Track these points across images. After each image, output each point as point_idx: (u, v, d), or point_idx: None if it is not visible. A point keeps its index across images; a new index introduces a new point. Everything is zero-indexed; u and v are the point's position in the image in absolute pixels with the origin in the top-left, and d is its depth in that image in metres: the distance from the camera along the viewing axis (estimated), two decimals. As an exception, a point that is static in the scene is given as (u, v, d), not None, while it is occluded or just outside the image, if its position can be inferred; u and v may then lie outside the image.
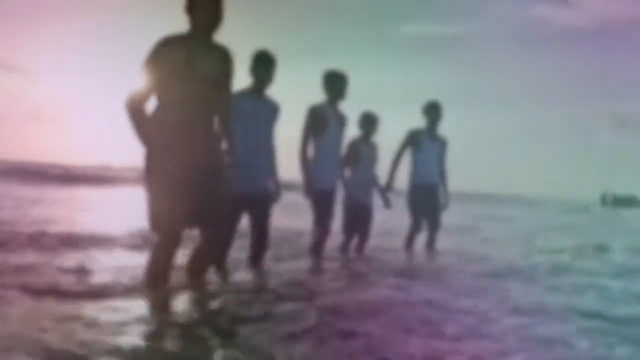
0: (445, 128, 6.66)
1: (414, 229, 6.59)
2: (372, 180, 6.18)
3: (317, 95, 5.36)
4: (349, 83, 5.37)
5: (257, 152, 4.57)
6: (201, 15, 3.40)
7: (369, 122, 6.07)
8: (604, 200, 49.81)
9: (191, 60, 3.34)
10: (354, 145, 6.01)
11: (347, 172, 5.97)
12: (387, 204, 6.29)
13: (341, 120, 5.41)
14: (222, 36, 3.54)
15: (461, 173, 6.52)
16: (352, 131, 5.95)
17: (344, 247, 6.08)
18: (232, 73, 3.62)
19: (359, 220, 6.04)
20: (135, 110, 3.29)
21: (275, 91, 4.70)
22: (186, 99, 3.34)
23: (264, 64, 4.58)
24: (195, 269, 3.61)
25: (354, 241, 6.13)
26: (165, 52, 3.31)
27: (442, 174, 6.66)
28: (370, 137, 6.11)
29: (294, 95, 4.77)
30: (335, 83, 5.33)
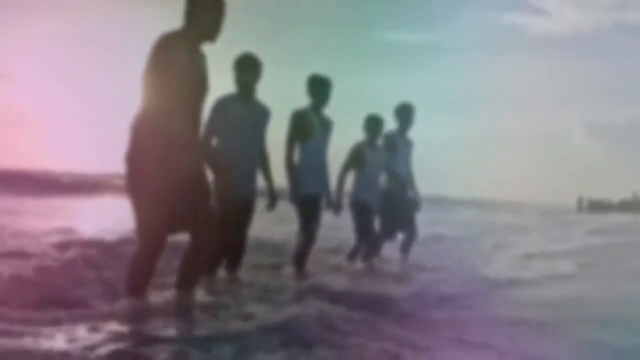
0: (423, 133, 6.73)
1: (384, 237, 6.40)
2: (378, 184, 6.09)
3: (293, 101, 5.35)
4: (332, 88, 5.33)
5: (249, 158, 4.54)
6: (202, 24, 3.39)
7: (374, 125, 6.00)
8: (579, 204, 50.52)
9: (188, 63, 3.31)
10: (358, 148, 5.93)
11: (352, 176, 5.94)
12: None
13: (326, 125, 5.35)
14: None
15: (432, 177, 6.55)
16: (352, 135, 5.97)
17: (353, 254, 6.02)
18: (207, 79, 3.56)
19: (369, 223, 5.95)
20: (141, 132, 3.22)
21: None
22: (181, 101, 3.28)
23: (247, 68, 4.54)
24: (186, 277, 3.53)
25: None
26: (166, 51, 3.24)
27: (410, 175, 6.59)
28: (375, 141, 6.05)
29: (271, 101, 4.78)
30: (319, 88, 5.28)
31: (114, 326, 2.90)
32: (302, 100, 5.35)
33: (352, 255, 6.10)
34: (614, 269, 7.40)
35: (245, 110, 4.56)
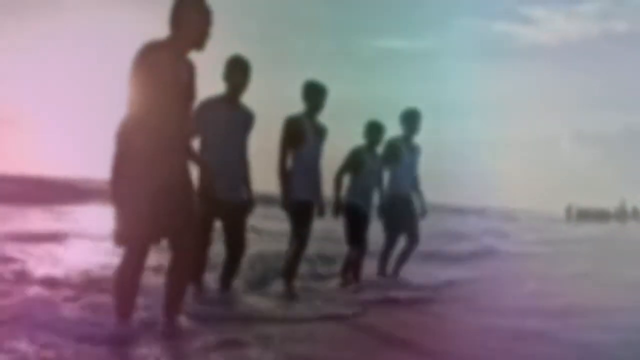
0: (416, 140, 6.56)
1: (390, 244, 6.36)
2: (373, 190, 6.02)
3: (284, 106, 5.31)
4: (327, 94, 5.27)
5: (231, 161, 4.47)
6: (189, 30, 3.33)
7: (374, 131, 5.94)
8: (568, 213, 50.71)
9: (173, 71, 3.28)
10: (357, 153, 5.87)
11: (347, 180, 5.87)
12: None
13: (320, 132, 5.28)
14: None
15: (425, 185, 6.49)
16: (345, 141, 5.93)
17: (347, 266, 5.89)
18: (196, 86, 3.53)
19: (361, 229, 5.87)
20: (129, 127, 3.17)
21: (244, 99, 4.61)
22: (167, 109, 3.26)
23: (239, 70, 4.49)
24: (174, 289, 3.44)
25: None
26: (152, 58, 3.21)
27: (416, 182, 6.52)
28: (375, 147, 5.99)
29: (264, 107, 4.68)
30: (314, 94, 5.21)
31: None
32: (293, 105, 5.28)
33: (346, 268, 5.92)
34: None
35: (231, 113, 4.51)
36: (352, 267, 5.88)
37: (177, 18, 3.34)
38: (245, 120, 4.59)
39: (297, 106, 5.28)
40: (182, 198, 3.36)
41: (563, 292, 6.07)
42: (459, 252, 10.34)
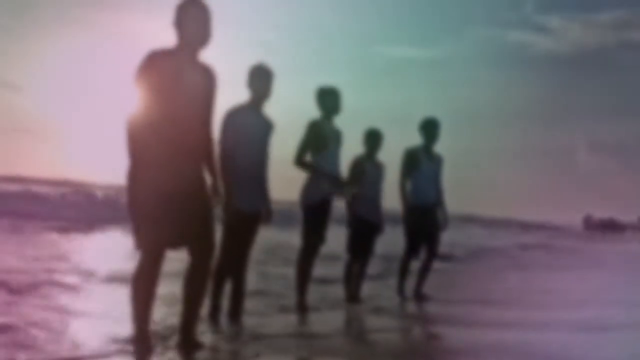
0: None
1: (410, 255, 6.19)
2: (379, 199, 5.93)
3: (295, 112, 5.19)
4: (342, 98, 5.19)
5: (257, 171, 4.40)
6: (190, 31, 3.32)
7: (373, 139, 5.88)
8: (586, 223, 50.07)
9: (179, 76, 3.26)
10: (359, 162, 5.79)
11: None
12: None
13: (338, 137, 5.20)
14: (204, 54, 3.44)
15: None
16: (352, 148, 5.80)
17: (349, 268, 5.79)
18: (216, 93, 3.49)
19: (364, 239, 5.77)
20: (136, 134, 3.18)
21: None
22: (173, 116, 3.23)
23: (264, 78, 4.44)
24: (191, 293, 3.36)
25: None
26: (154, 66, 3.22)
27: (439, 193, 6.32)
28: (374, 155, 5.91)
29: (276, 113, 4.55)
30: (329, 99, 5.15)
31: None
32: (305, 113, 5.20)
33: (348, 280, 5.78)
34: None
35: (257, 121, 4.44)
36: (354, 279, 5.77)
37: (178, 22, 3.35)
38: (269, 127, 4.52)
39: (309, 114, 5.18)
40: (197, 205, 3.31)
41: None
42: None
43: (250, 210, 4.32)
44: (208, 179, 3.48)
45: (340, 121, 5.23)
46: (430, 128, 6.21)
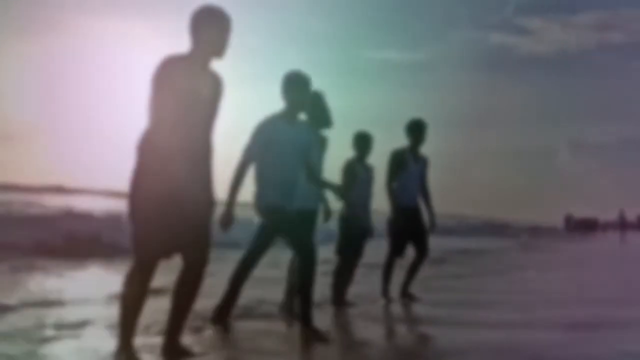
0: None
1: (394, 256, 6.15)
2: (369, 202, 5.88)
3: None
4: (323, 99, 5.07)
5: (289, 184, 4.30)
6: (205, 40, 3.28)
7: (363, 142, 5.83)
8: (567, 223, 50.54)
9: (194, 84, 3.22)
10: (350, 166, 5.75)
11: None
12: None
13: (322, 143, 5.11)
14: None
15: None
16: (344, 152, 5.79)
17: (338, 270, 5.74)
18: (221, 102, 3.44)
19: (354, 242, 5.74)
20: (146, 140, 3.16)
21: (244, 112, 4.43)
22: (184, 124, 3.19)
23: (306, 87, 4.36)
24: (180, 301, 3.31)
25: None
26: (168, 73, 3.16)
27: (426, 195, 6.32)
28: (365, 158, 5.86)
29: (260, 116, 4.46)
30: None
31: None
32: None
33: (336, 279, 5.73)
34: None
35: (291, 131, 4.32)
36: (342, 282, 5.74)
37: (195, 29, 3.30)
38: (304, 138, 4.40)
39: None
40: (198, 214, 3.27)
41: None
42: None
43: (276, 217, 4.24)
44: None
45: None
46: (416, 129, 6.20)
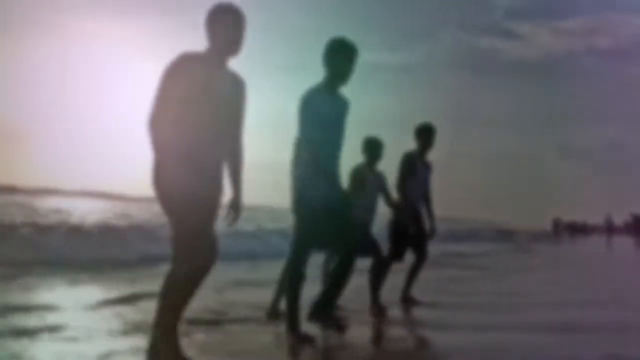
0: (397, 153, 6.16)
1: (393, 259, 5.92)
2: (375, 208, 5.73)
3: (273, 115, 5.01)
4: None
5: (336, 161, 4.07)
6: (221, 38, 3.23)
7: (372, 148, 5.69)
8: (555, 227, 50.85)
9: (210, 82, 3.15)
10: (359, 171, 5.61)
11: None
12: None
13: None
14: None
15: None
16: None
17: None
18: (245, 103, 3.39)
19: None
20: (158, 129, 3.07)
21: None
22: (199, 124, 3.12)
23: (345, 55, 3.99)
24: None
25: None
26: (183, 70, 3.10)
27: (428, 200, 6.23)
28: (375, 164, 5.71)
29: (258, 112, 4.39)
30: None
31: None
32: (282, 114, 5.05)
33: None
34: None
35: (335, 102, 4.04)
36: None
37: (210, 27, 3.26)
38: (346, 108, 4.13)
39: (285, 116, 5.04)
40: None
41: None
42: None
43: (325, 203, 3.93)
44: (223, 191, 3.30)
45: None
46: (426, 134, 6.05)
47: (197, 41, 3.28)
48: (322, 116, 3.93)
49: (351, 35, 4.07)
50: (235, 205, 3.39)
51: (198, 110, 3.12)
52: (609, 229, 52.66)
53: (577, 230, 58.58)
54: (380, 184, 5.76)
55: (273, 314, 4.85)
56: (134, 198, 44.76)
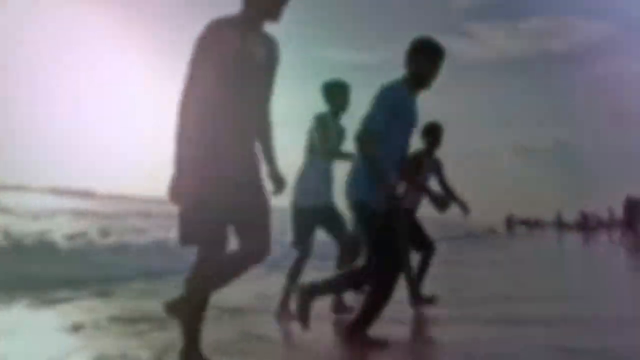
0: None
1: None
2: None
3: None
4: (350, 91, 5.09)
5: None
6: (261, 2, 2.94)
7: (433, 132, 5.75)
8: (508, 223, 51.85)
9: (246, 48, 2.90)
10: (418, 156, 5.64)
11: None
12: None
13: (341, 134, 5.12)
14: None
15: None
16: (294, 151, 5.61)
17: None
18: (277, 68, 3.12)
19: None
20: (189, 112, 2.83)
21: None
22: (236, 95, 2.90)
23: (431, 57, 3.84)
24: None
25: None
26: (216, 36, 2.85)
27: (447, 189, 6.10)
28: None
29: None
30: (338, 93, 5.07)
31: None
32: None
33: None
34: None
35: (413, 105, 3.92)
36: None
37: None
38: (417, 115, 4.00)
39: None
40: (252, 194, 2.95)
41: None
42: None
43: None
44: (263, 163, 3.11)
45: (280, 124, 5.10)
46: (433, 132, 5.90)
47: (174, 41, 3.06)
48: (398, 115, 3.75)
49: (312, 34, 4.11)
50: (276, 176, 3.15)
51: (231, 89, 2.89)
52: (560, 225, 54.18)
53: (530, 226, 60.01)
54: (436, 168, 5.86)
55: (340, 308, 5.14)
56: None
